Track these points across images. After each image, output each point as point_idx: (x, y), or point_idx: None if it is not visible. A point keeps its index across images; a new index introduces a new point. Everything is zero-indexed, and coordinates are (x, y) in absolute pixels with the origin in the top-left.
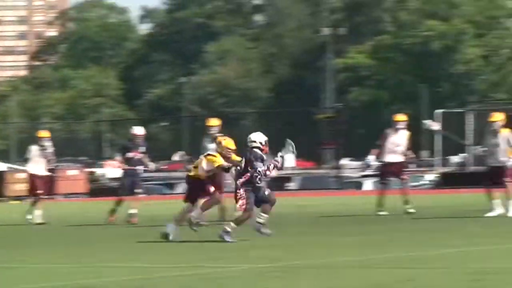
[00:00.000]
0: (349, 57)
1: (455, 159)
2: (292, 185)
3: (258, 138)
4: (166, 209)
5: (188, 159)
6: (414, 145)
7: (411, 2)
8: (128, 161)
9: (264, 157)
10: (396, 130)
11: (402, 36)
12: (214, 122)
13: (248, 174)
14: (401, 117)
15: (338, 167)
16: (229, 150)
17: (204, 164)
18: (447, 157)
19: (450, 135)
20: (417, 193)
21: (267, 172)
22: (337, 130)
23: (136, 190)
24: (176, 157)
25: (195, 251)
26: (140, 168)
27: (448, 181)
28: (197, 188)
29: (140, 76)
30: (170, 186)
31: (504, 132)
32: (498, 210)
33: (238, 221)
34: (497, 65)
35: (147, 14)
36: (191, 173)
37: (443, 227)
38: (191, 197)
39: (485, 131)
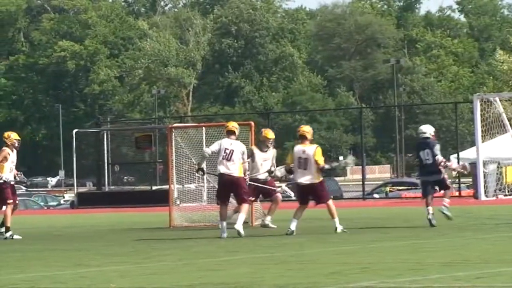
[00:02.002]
0: None
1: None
2: None
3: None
4: None
5: None
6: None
7: (44, 22)
8: None
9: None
10: (13, 149)
11: (36, 56)
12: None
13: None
14: (17, 136)
15: None
16: None
17: None
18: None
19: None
20: (56, 213)
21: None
22: None
23: None
24: None
25: None
26: None
27: (84, 200)
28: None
29: None
30: None
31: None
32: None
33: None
34: (131, 85)
35: None
36: None
37: (80, 246)
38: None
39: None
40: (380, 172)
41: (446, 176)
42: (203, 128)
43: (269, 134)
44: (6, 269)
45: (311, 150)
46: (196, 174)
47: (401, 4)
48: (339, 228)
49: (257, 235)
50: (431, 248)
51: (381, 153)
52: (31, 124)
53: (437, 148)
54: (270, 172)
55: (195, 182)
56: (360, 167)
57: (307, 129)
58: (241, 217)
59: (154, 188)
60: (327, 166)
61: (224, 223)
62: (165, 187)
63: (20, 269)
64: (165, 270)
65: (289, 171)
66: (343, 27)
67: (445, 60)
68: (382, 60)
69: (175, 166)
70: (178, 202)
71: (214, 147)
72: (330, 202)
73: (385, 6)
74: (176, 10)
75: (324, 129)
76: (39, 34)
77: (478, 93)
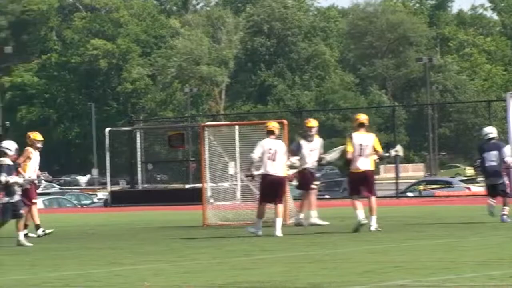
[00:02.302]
0: (16, 75)
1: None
2: None
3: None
4: None
5: None
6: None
7: (76, 20)
8: None
9: None
10: (36, 148)
11: (69, 54)
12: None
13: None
14: (38, 136)
15: None
16: None
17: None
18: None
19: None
20: (90, 211)
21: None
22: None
23: None
24: None
25: None
26: None
27: (118, 199)
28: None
29: None
30: None
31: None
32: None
33: None
34: (164, 84)
35: None
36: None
37: (114, 245)
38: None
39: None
40: (413, 171)
41: (508, 182)
42: (236, 126)
43: (309, 123)
44: (41, 267)
45: (371, 138)
46: (241, 178)
47: (433, 2)
48: (374, 226)
49: (291, 234)
50: (465, 247)
51: (414, 152)
52: (64, 123)
53: (505, 150)
54: (320, 160)
55: (228, 181)
56: (394, 165)
57: (366, 117)
58: (279, 221)
59: (187, 186)
60: (385, 154)
61: (261, 221)
62: (199, 185)
63: (55, 267)
64: (199, 269)
65: (347, 163)
66: (375, 25)
67: (478, 59)
68: (414, 58)
69: (208, 164)
70: (211, 201)
71: (259, 150)
72: (374, 198)
73: (417, 5)
74: (208, 8)
75: None
76: (71, 33)
77: (511, 91)
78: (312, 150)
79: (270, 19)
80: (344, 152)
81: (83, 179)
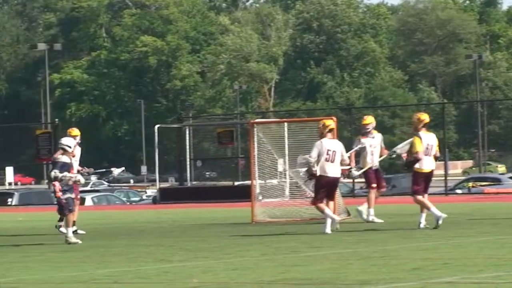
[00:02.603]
0: (65, 72)
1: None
2: (12, 200)
3: None
4: None
5: None
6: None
7: (126, 17)
8: None
9: None
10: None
11: (118, 51)
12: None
13: None
14: (76, 132)
15: None
16: None
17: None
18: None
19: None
20: (139, 208)
21: None
22: (55, 146)
23: None
24: None
25: None
26: None
27: (166, 196)
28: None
29: None
30: None
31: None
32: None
33: None
34: (213, 81)
35: None
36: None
37: (163, 242)
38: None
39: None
40: (462, 168)
41: None
42: (285, 123)
43: (364, 120)
44: (90, 264)
45: (434, 138)
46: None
47: None
48: (423, 223)
49: (339, 231)
50: None
51: (464, 149)
52: (113, 120)
53: None
54: (391, 154)
55: (277, 178)
56: (443, 162)
57: (427, 116)
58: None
59: (236, 183)
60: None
61: (327, 209)
62: (247, 182)
63: (104, 264)
64: (248, 266)
65: (412, 162)
66: (425, 22)
67: None
68: (464, 55)
69: (257, 161)
70: (260, 198)
71: (315, 152)
72: (427, 196)
73: (467, 1)
74: (257, 5)
75: (406, 124)
76: (121, 30)
77: None
78: (374, 146)
79: (319, 16)
80: (411, 149)
81: (116, 171)
